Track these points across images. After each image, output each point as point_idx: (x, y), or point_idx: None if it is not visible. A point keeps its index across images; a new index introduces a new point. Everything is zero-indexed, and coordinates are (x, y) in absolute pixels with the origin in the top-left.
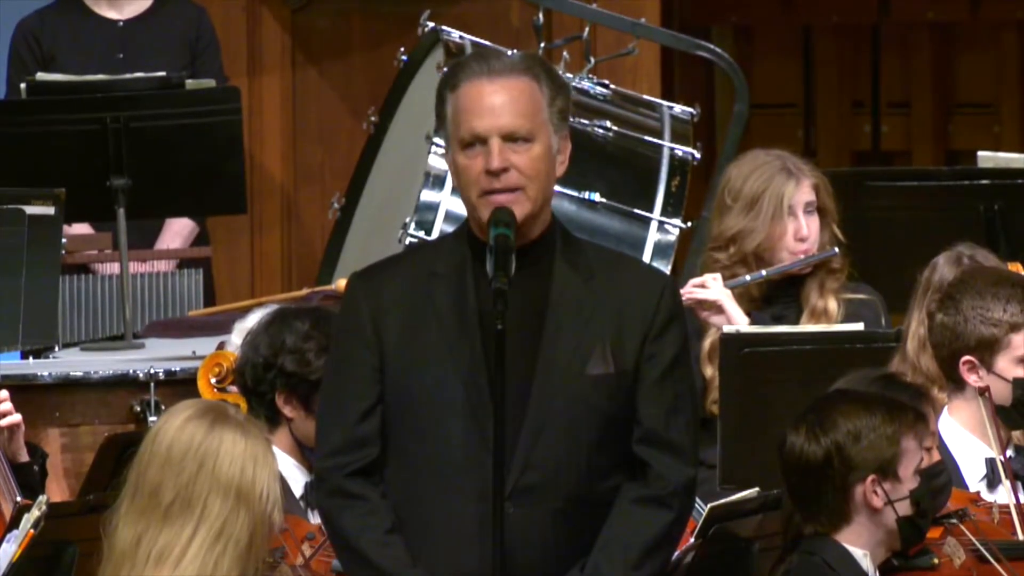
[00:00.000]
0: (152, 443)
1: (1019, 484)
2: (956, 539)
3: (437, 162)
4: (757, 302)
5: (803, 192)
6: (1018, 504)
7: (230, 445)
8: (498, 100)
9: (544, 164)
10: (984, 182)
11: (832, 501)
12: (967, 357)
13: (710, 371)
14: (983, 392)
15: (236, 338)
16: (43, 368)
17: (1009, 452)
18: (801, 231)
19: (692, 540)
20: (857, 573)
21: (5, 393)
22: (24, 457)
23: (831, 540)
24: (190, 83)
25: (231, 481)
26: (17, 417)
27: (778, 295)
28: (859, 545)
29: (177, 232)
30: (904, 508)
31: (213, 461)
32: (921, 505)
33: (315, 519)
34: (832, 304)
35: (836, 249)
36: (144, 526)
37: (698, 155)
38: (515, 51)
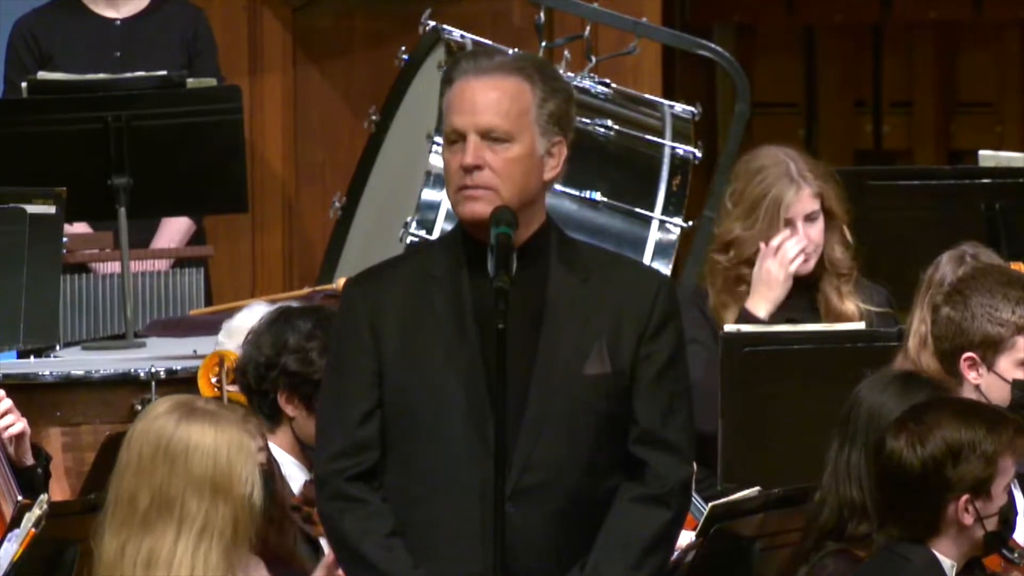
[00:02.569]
0: (126, 450)
1: (1015, 483)
2: None
3: (438, 161)
4: None
5: (803, 202)
6: None
7: (199, 439)
8: (480, 98)
9: (521, 167)
10: (985, 181)
11: (924, 513)
12: (969, 354)
13: None
14: None
15: (223, 337)
16: (44, 367)
17: None
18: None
19: (693, 539)
20: None
21: (9, 403)
22: (30, 460)
23: (923, 548)
24: (191, 82)
25: (204, 476)
26: (20, 427)
27: (790, 299)
28: (948, 556)
29: (175, 231)
30: (992, 524)
31: (183, 459)
32: (1008, 521)
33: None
34: (851, 307)
35: None
36: (126, 535)
37: (699, 154)
38: (516, 50)
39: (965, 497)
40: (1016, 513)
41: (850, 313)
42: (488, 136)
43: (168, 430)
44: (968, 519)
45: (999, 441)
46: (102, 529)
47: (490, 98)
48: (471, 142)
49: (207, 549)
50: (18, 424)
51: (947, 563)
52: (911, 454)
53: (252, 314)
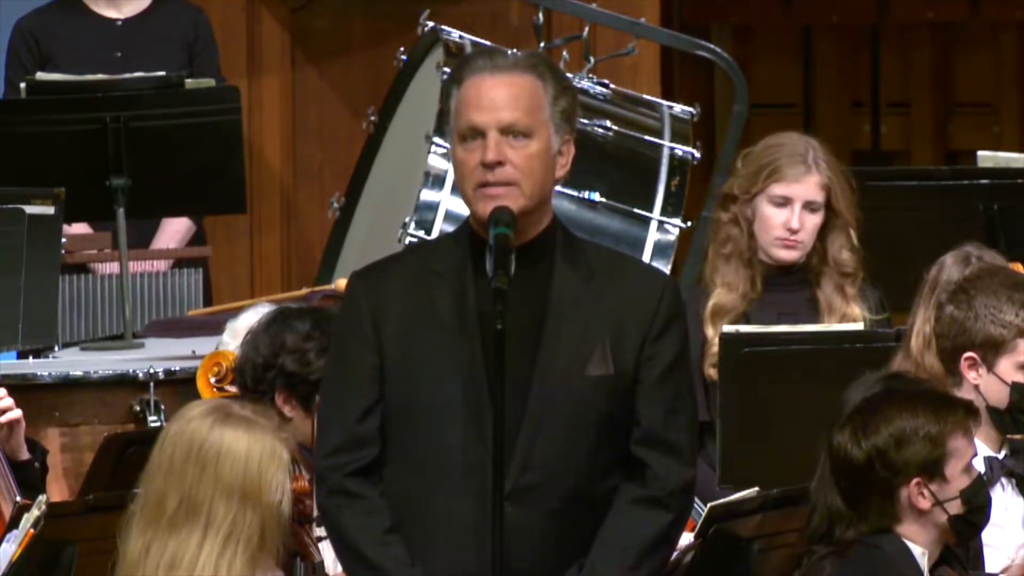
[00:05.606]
0: (158, 451)
1: (1012, 482)
2: None
3: (437, 162)
4: (758, 292)
5: (807, 186)
6: None
7: (232, 445)
8: (498, 94)
9: (540, 162)
10: (984, 182)
11: (878, 503)
12: (970, 354)
13: (711, 332)
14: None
15: (227, 337)
16: (43, 368)
17: (1004, 452)
18: (791, 223)
19: (692, 540)
20: (915, 570)
21: (3, 391)
22: (25, 454)
23: (892, 535)
24: (190, 83)
25: (234, 482)
26: (17, 412)
27: (783, 289)
28: (917, 543)
29: (175, 231)
30: (955, 507)
31: (215, 464)
32: (973, 503)
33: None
34: (857, 311)
35: None
36: (152, 535)
37: (698, 155)
38: (515, 50)
39: (916, 480)
40: (990, 499)
41: (855, 317)
42: (508, 132)
43: (201, 434)
44: (924, 503)
45: (945, 422)
46: (129, 527)
47: (509, 94)
48: (491, 138)
49: (232, 555)
50: (15, 411)
51: (917, 550)
52: (855, 447)
53: (257, 314)
